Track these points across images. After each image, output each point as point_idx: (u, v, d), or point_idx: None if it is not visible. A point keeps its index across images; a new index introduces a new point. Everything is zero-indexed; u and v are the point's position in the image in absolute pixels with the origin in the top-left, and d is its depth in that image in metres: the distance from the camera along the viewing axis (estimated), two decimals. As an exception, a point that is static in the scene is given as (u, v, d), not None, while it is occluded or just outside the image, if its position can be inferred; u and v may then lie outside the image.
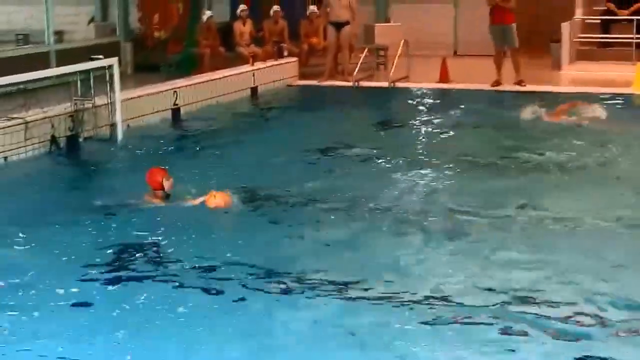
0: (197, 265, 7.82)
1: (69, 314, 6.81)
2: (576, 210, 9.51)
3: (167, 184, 9.61)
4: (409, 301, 6.98)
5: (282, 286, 7.33)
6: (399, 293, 7.14)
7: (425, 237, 8.69)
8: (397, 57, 19.89)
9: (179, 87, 15.84)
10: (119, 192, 10.13)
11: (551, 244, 8.46)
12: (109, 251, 8.25)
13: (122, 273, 7.71)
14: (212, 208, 9.34)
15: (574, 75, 20.46)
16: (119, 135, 13.51)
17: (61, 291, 7.19)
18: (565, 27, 20.96)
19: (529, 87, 18.26)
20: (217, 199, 9.38)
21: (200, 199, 9.46)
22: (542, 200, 9.97)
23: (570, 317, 6.64)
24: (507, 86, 18.43)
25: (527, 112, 14.97)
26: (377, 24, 22.47)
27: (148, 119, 14.80)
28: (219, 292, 7.22)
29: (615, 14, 21.57)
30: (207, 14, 19.09)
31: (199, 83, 16.59)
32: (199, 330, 6.45)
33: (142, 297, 7.08)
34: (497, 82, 18.74)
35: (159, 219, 9.13)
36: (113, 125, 13.59)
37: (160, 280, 7.52)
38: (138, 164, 11.61)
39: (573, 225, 9.08)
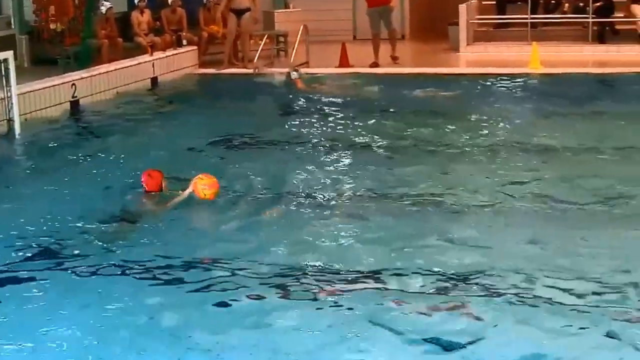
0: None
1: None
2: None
3: (165, 185, 9.44)
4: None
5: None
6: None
7: (335, 220, 8.71)
8: (296, 44, 19.92)
9: (77, 79, 15.59)
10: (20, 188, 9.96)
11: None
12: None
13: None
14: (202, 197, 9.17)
15: (472, 57, 20.74)
16: (17, 130, 13.28)
17: None
18: (462, 9, 21.24)
19: (428, 69, 18.46)
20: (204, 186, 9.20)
21: (188, 190, 9.23)
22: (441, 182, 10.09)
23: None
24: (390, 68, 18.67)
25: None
26: (276, 11, 22.50)
27: (46, 113, 14.55)
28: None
29: (511, -5, 21.97)
30: (106, 4, 18.81)
31: (98, 74, 16.35)
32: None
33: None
34: (375, 64, 18.99)
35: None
36: (10, 120, 13.34)
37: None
38: (38, 158, 11.42)
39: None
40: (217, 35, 20.66)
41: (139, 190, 9.55)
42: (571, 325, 6.15)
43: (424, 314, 6.41)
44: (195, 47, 20.03)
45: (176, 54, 19.31)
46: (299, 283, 7.09)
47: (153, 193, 9.39)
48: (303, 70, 18.36)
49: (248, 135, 12.99)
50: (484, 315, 6.33)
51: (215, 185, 9.30)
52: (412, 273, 7.16)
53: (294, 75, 17.48)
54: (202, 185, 9.21)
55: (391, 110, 14.66)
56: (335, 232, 8.34)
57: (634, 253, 7.60)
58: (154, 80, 18.02)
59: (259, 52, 20.03)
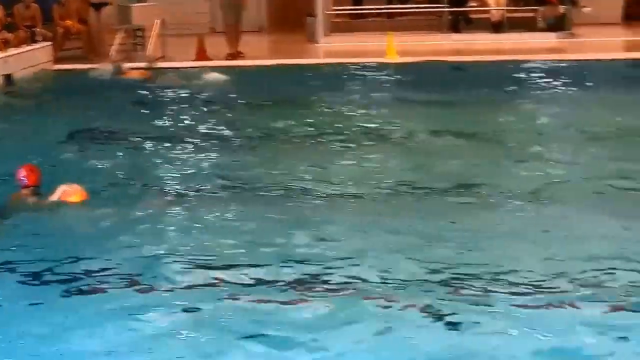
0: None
1: None
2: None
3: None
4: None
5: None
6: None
7: (195, 211, 8.73)
8: (153, 37, 19.75)
9: None
10: None
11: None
12: None
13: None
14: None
15: (330, 48, 20.90)
16: None
17: None
18: (318, 0, 21.36)
19: (285, 60, 18.54)
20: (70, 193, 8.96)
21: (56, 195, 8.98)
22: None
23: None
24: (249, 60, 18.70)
25: None
26: (133, 4, 22.20)
27: None
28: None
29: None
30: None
31: (-51, 73, 15.93)
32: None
33: None
34: (232, 55, 19.03)
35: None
36: None
37: None
38: None
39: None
40: (73, 31, 20.30)
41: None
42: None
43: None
44: (50, 43, 19.64)
45: (30, 50, 18.90)
46: (153, 276, 7.07)
47: (32, 187, 9.16)
48: (160, 64, 18.22)
49: (105, 131, 12.82)
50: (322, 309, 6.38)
51: (80, 193, 9.14)
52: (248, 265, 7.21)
53: (120, 68, 17.42)
54: (67, 194, 9.06)
55: (246, 101, 14.68)
56: (194, 223, 8.34)
57: (479, 236, 7.79)
58: (8, 77, 17.60)
59: (116, 46, 19.77)
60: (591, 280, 6.73)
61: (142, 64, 18.06)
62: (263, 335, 5.93)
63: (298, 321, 6.16)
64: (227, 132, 12.49)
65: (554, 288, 6.61)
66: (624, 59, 18.52)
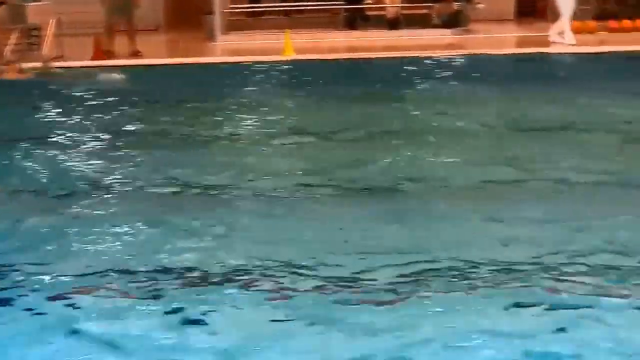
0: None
1: None
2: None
3: None
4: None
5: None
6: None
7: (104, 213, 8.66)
8: (49, 37, 19.52)
9: None
10: None
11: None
12: None
13: None
14: None
15: (228, 46, 20.93)
16: None
17: None
18: (216, -2, 21.39)
19: (182, 59, 18.52)
20: None
21: None
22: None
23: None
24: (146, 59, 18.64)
25: None
26: (27, 3, 21.89)
27: None
28: None
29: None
30: None
31: None
32: None
33: None
34: (110, 53, 18.93)
35: None
36: None
37: None
38: None
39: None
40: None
41: None
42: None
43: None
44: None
45: None
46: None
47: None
48: (56, 64, 18.03)
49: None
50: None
51: None
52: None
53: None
54: None
55: (142, 101, 14.60)
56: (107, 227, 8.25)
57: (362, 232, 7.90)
58: None
59: (11, 46, 19.48)
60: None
61: (38, 64, 17.84)
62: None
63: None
64: (119, 131, 12.37)
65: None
66: (517, 54, 18.99)
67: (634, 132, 11.52)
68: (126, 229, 8.12)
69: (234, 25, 22.38)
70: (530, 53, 18.67)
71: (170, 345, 5.83)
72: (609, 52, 18.42)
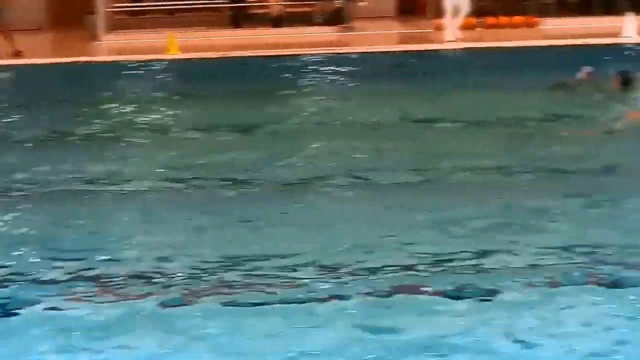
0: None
1: None
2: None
3: None
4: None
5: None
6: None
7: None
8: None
9: None
10: None
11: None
12: None
13: None
14: None
15: (112, 45, 20.83)
16: None
17: None
18: (98, -3, 21.26)
19: (64, 59, 18.36)
20: None
21: None
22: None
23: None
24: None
25: None
26: None
27: None
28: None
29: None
30: None
31: None
32: None
33: None
34: (18, 52, 18.70)
35: None
36: None
37: None
38: None
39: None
40: None
41: None
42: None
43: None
44: None
45: None
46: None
47: None
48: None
49: None
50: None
51: None
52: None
53: None
54: None
55: (23, 102, 14.48)
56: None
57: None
58: None
59: None
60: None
61: None
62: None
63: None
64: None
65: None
66: (398, 51, 19.31)
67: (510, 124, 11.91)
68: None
69: (118, 24, 22.25)
70: (410, 51, 18.97)
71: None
72: (487, 48, 18.86)
